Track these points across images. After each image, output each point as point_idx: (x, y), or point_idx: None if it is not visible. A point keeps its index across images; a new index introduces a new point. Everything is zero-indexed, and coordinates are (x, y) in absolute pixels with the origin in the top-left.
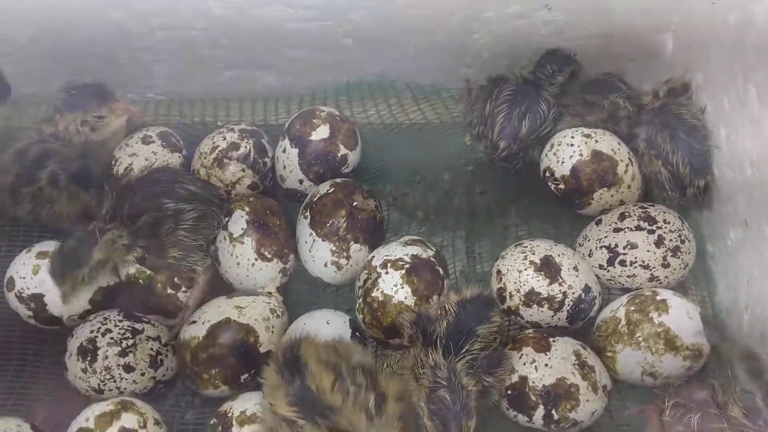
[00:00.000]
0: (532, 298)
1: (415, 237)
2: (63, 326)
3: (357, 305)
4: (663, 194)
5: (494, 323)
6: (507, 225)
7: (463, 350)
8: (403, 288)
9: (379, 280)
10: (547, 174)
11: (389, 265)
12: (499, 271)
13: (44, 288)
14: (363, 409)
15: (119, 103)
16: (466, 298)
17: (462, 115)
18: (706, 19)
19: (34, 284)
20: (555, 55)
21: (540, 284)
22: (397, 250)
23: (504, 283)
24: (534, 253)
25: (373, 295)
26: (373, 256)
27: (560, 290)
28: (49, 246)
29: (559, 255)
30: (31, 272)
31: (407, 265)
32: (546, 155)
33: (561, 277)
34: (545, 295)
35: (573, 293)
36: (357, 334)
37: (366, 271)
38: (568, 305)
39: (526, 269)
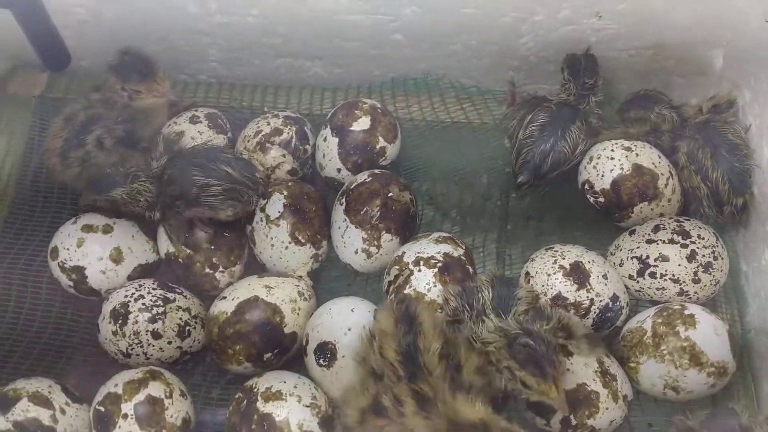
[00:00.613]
0: (558, 302)
1: (445, 234)
2: (100, 297)
3: (388, 300)
4: (700, 210)
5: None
6: (541, 231)
7: (512, 313)
8: (435, 287)
9: (412, 277)
10: (586, 187)
11: (422, 262)
12: (527, 273)
13: (86, 261)
14: (447, 379)
15: (158, 85)
16: (494, 276)
17: (503, 117)
18: (759, 38)
19: (77, 256)
20: (579, 58)
21: (567, 289)
22: (428, 247)
23: (531, 286)
24: (564, 258)
25: (405, 291)
26: (404, 252)
27: (587, 297)
28: (95, 219)
29: (589, 262)
30: (75, 244)
31: (440, 264)
32: (585, 168)
33: (589, 284)
34: (572, 301)
35: (600, 301)
36: None
37: (397, 267)
38: (595, 312)
39: (555, 273)
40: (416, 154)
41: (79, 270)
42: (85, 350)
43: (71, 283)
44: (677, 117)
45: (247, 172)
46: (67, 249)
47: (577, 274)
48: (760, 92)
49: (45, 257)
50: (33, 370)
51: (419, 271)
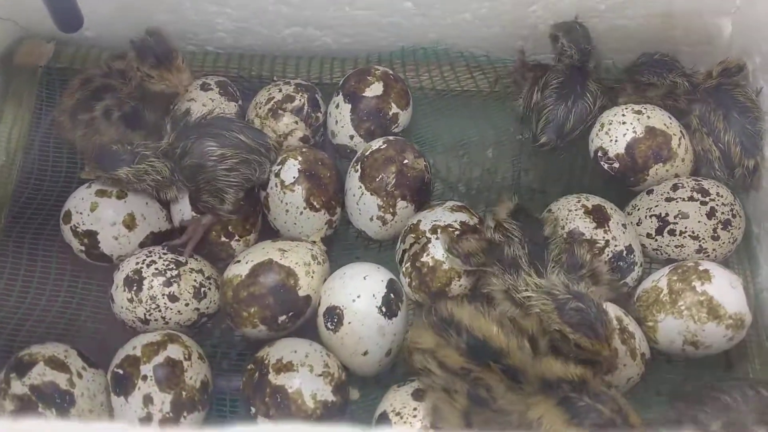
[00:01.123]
0: (574, 236)
1: (459, 203)
2: (112, 264)
3: (403, 269)
4: (711, 173)
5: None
6: (546, 203)
7: (550, 261)
8: None
9: (429, 245)
10: (599, 154)
11: (439, 230)
12: (549, 210)
13: (99, 226)
14: (523, 348)
15: (171, 75)
16: (510, 212)
17: (508, 83)
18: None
19: (90, 221)
20: (574, 25)
21: (586, 226)
22: (444, 215)
23: (556, 218)
24: (588, 201)
25: (422, 260)
26: (420, 220)
27: (604, 237)
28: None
29: (611, 209)
30: (89, 209)
31: (458, 232)
32: (597, 135)
33: (608, 226)
34: (588, 237)
35: (616, 246)
36: (391, 296)
37: (413, 235)
38: (608, 255)
39: (576, 210)
40: (426, 123)
41: (92, 234)
42: (99, 318)
43: (83, 248)
44: (689, 84)
45: (260, 139)
46: (80, 213)
47: (598, 214)
48: None
49: (55, 224)
50: (46, 338)
51: (437, 238)
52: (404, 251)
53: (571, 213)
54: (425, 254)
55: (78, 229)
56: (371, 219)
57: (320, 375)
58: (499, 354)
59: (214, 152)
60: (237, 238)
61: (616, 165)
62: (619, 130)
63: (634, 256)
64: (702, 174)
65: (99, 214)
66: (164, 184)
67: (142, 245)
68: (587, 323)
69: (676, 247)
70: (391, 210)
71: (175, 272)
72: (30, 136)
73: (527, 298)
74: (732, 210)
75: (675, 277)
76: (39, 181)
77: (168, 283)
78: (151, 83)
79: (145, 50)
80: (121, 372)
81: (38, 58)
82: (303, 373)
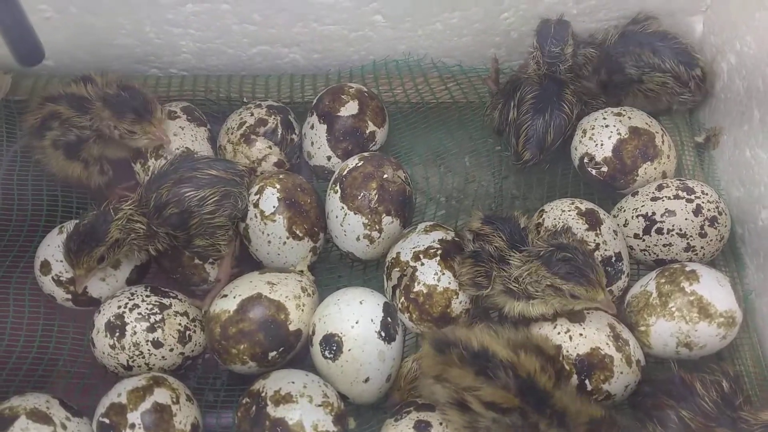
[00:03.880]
0: (562, 229)
1: (430, 223)
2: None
3: (399, 305)
4: (676, 100)
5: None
6: (527, 208)
7: (530, 240)
8: (444, 274)
9: (417, 273)
10: (585, 160)
11: (421, 256)
12: (543, 210)
13: None
14: (552, 381)
15: (154, 128)
16: (482, 219)
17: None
18: (740, 1)
19: None
20: (549, 25)
21: (578, 227)
22: (421, 239)
23: (543, 219)
24: (582, 204)
25: (415, 290)
26: (398, 252)
27: (595, 241)
28: None
29: (603, 215)
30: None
31: (440, 251)
32: (580, 142)
33: (600, 230)
34: (579, 238)
35: (606, 250)
36: (389, 319)
37: (397, 269)
38: (598, 259)
39: (570, 211)
40: (402, 137)
41: None
42: (79, 362)
43: (69, 296)
44: (594, 50)
45: (231, 169)
46: (60, 261)
47: (591, 217)
48: (747, 56)
49: (26, 265)
50: (23, 387)
51: (422, 264)
52: (394, 287)
53: (564, 213)
54: (416, 283)
55: (61, 278)
56: (358, 239)
57: (320, 405)
58: (545, 394)
59: (193, 197)
60: (211, 261)
61: (605, 169)
62: (603, 133)
63: (622, 264)
64: (672, 107)
65: None
66: (145, 238)
67: (129, 282)
68: (577, 270)
69: (664, 246)
70: (377, 227)
71: (159, 317)
72: None
73: (519, 275)
74: (717, 207)
75: (663, 280)
76: (4, 221)
77: (152, 329)
78: (133, 140)
79: (122, 106)
80: (107, 422)
81: None
82: (303, 404)
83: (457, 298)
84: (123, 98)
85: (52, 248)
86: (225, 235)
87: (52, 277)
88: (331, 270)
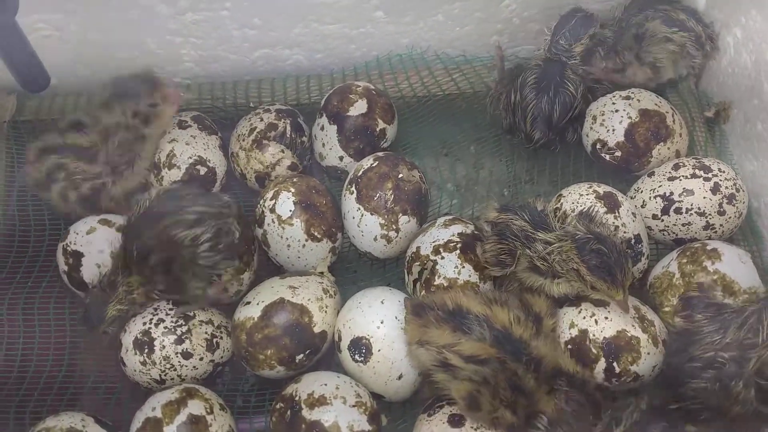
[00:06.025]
0: (584, 212)
1: (450, 216)
2: (86, 294)
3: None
4: (692, 63)
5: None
6: (538, 192)
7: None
8: (464, 267)
9: (437, 267)
10: (598, 146)
11: (441, 249)
12: (560, 195)
13: (87, 249)
14: (531, 332)
15: (169, 90)
16: (497, 208)
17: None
18: None
19: (82, 242)
20: (571, 20)
21: (596, 210)
22: (440, 233)
23: (561, 203)
24: (600, 188)
25: (436, 283)
26: (419, 247)
27: (614, 223)
28: (116, 218)
29: (622, 197)
30: (85, 231)
31: (459, 244)
32: (591, 129)
33: (619, 213)
34: (604, 221)
35: (625, 233)
36: None
37: (418, 264)
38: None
39: (588, 194)
40: (412, 131)
41: (77, 256)
42: (109, 376)
43: (66, 268)
44: (609, 32)
45: (217, 202)
46: (77, 233)
47: (610, 200)
48: (754, 30)
49: (50, 280)
50: (56, 406)
51: (442, 258)
52: (414, 281)
53: (582, 197)
54: (437, 277)
55: (68, 248)
56: (375, 239)
57: (354, 405)
58: (522, 342)
59: (186, 237)
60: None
61: (618, 153)
62: (614, 118)
63: (642, 246)
64: (688, 73)
65: (92, 237)
66: (145, 295)
67: None
68: (606, 267)
69: (683, 225)
70: (394, 227)
71: (185, 328)
72: (6, 192)
73: (549, 252)
74: (735, 184)
75: (684, 260)
76: (23, 241)
77: (180, 341)
78: (159, 112)
79: (133, 88)
80: None
81: (1, 113)
82: (337, 405)
83: (479, 290)
84: (129, 83)
85: (80, 223)
86: (226, 266)
87: (63, 245)
88: (350, 269)
